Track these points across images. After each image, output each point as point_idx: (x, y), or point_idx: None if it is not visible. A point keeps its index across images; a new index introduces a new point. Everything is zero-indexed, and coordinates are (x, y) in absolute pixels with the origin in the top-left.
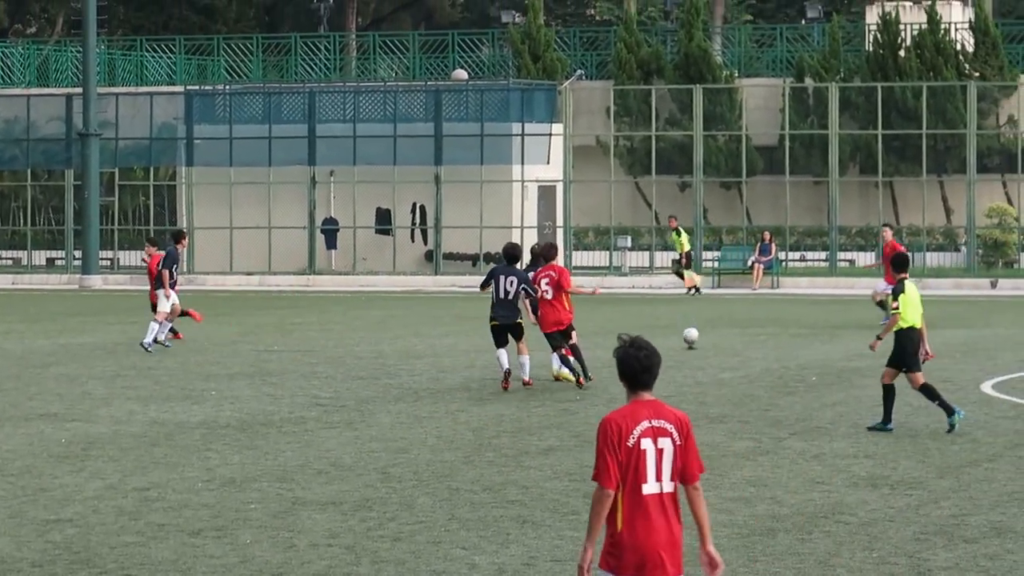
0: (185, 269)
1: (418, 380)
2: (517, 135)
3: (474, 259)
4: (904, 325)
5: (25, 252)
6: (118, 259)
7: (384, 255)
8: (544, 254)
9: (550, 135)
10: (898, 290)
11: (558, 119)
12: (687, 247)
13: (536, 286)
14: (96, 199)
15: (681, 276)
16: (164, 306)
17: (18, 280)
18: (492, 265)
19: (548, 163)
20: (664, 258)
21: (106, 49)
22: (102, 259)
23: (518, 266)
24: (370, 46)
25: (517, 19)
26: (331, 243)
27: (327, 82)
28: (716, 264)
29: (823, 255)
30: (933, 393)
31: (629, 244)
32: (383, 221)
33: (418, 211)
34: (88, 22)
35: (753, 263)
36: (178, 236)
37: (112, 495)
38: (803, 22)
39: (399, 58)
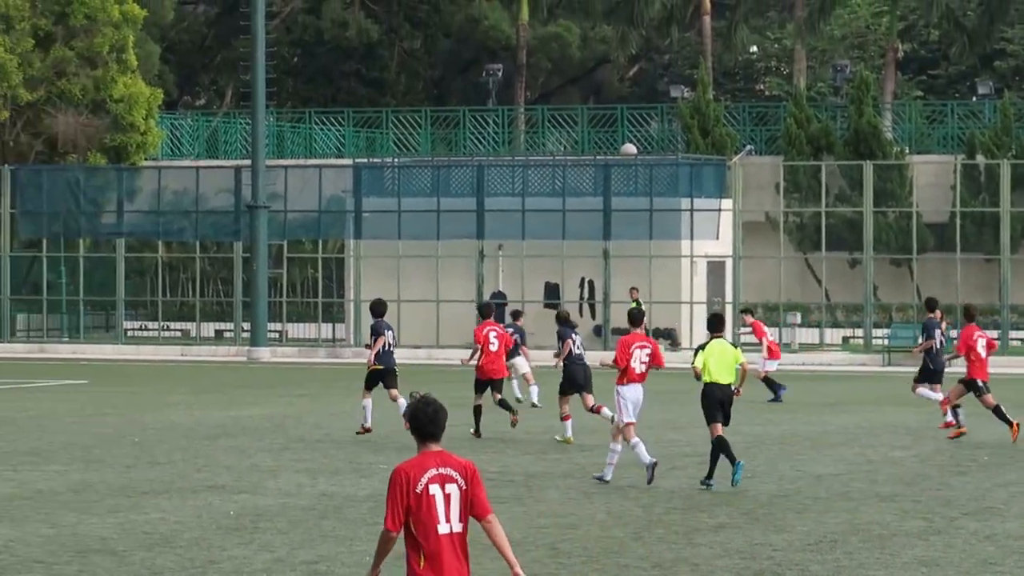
0: (353, 342)
1: (588, 456)
2: (686, 210)
3: None
4: None
5: (194, 324)
6: (286, 331)
7: (553, 329)
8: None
9: (719, 210)
10: None
11: (727, 194)
12: None
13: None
14: (264, 271)
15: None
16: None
17: (187, 352)
18: (660, 340)
19: (717, 238)
20: (834, 335)
21: (275, 121)
22: (270, 331)
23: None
24: (539, 120)
25: (686, 94)
26: (500, 317)
27: (495, 156)
28: (886, 341)
29: (994, 333)
30: None
31: (799, 320)
32: (551, 295)
33: (586, 286)
34: (257, 94)
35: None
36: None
37: (281, 568)
38: (974, 99)
39: (568, 132)
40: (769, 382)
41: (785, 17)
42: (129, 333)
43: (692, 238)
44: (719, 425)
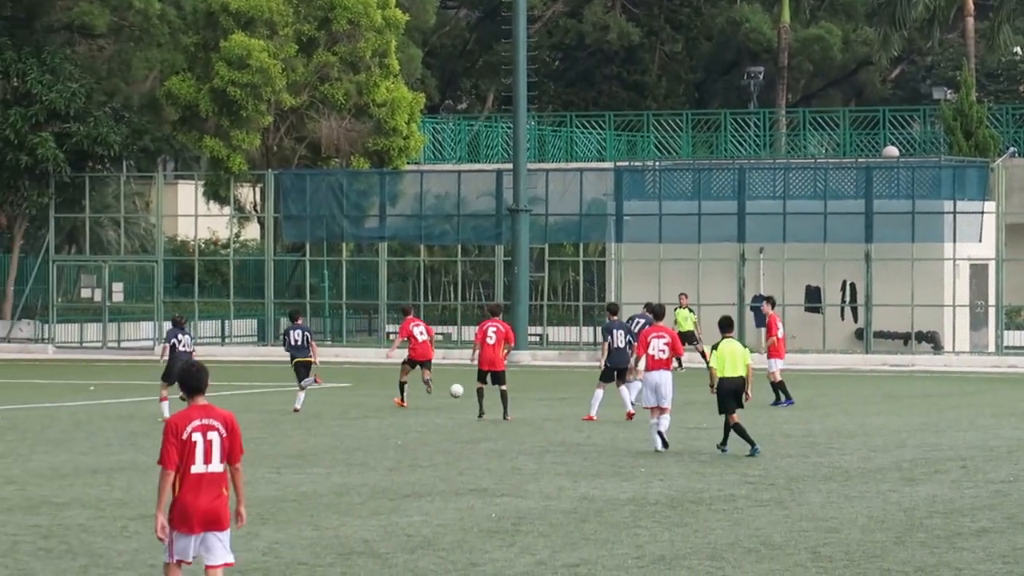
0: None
1: (848, 459)
2: (949, 213)
3: (905, 338)
4: None
5: (455, 327)
6: (547, 335)
7: (814, 333)
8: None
9: (982, 213)
10: None
11: (990, 197)
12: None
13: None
14: (526, 275)
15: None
16: None
17: (448, 355)
18: (922, 343)
19: (980, 241)
20: None
21: (536, 125)
22: (531, 335)
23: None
24: (800, 122)
25: (949, 96)
26: (760, 321)
27: (757, 158)
28: None
29: None
30: None
31: None
32: (813, 299)
33: (848, 289)
34: (519, 98)
35: None
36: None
37: (542, 571)
38: None
39: (829, 134)
40: (778, 385)
41: None
42: (391, 337)
43: (955, 241)
44: (735, 415)
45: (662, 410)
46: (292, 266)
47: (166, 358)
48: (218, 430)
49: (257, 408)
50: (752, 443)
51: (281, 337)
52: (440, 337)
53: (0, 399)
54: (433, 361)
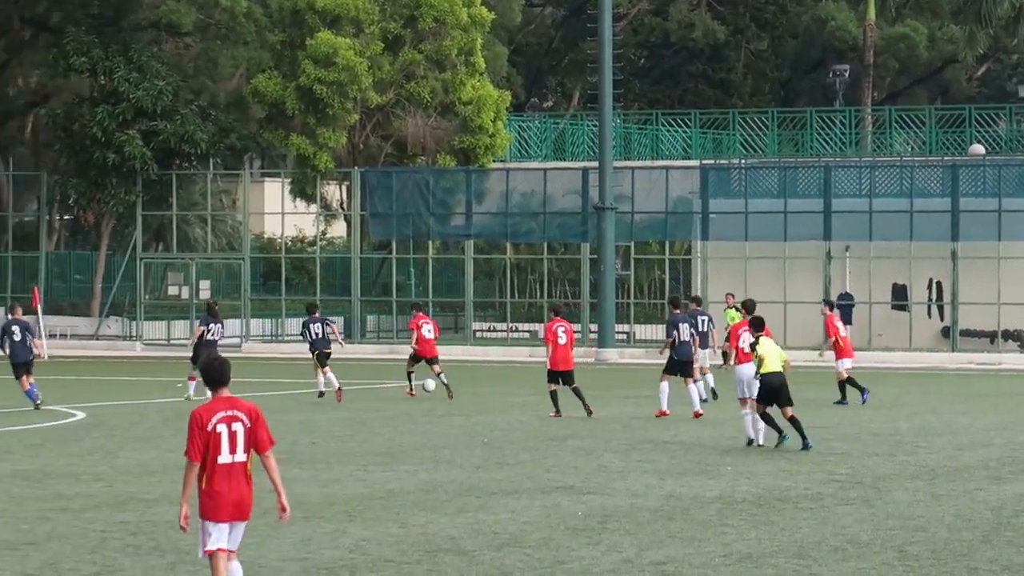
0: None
1: (935, 457)
2: None
3: (992, 336)
4: None
5: (541, 325)
6: (634, 333)
7: (900, 331)
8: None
9: None
10: None
11: None
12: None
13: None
14: (612, 273)
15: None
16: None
17: (535, 353)
18: (1009, 342)
19: None
20: None
21: (622, 123)
22: (618, 332)
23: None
24: (886, 120)
25: None
26: (846, 318)
27: (842, 156)
28: None
29: None
30: None
31: None
32: (899, 297)
33: (934, 287)
34: (604, 96)
35: None
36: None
37: (628, 569)
38: None
39: (915, 132)
40: (844, 384)
41: None
42: (478, 334)
43: None
44: (790, 409)
45: (752, 401)
46: (378, 264)
47: (194, 341)
48: (242, 421)
49: (343, 406)
50: (781, 432)
51: (301, 331)
52: (527, 335)
53: (88, 396)
54: (579, 361)
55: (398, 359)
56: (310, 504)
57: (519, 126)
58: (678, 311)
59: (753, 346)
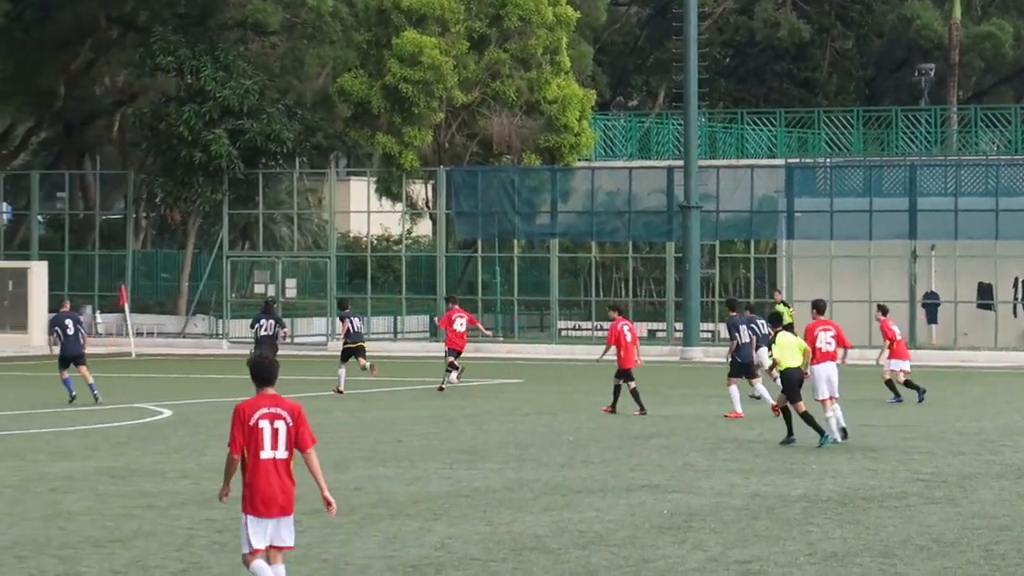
0: None
1: (1020, 456)
2: None
3: None
4: None
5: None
6: (719, 331)
7: (985, 330)
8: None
9: None
10: None
11: None
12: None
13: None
14: (697, 271)
15: None
16: None
17: None
18: None
19: None
20: None
21: (707, 122)
22: (703, 331)
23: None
24: (971, 119)
25: None
26: (932, 317)
27: (928, 155)
28: None
29: None
30: None
31: None
32: (985, 296)
33: (1020, 286)
34: (689, 95)
35: None
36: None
37: (714, 567)
38: None
39: (1001, 131)
40: (891, 383)
41: None
42: (563, 333)
43: None
44: (802, 403)
45: (833, 400)
46: (464, 262)
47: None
48: (284, 418)
49: (429, 404)
50: (821, 431)
51: (339, 323)
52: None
53: (175, 394)
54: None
55: (483, 357)
56: (395, 502)
57: (604, 125)
58: (735, 313)
59: (771, 343)
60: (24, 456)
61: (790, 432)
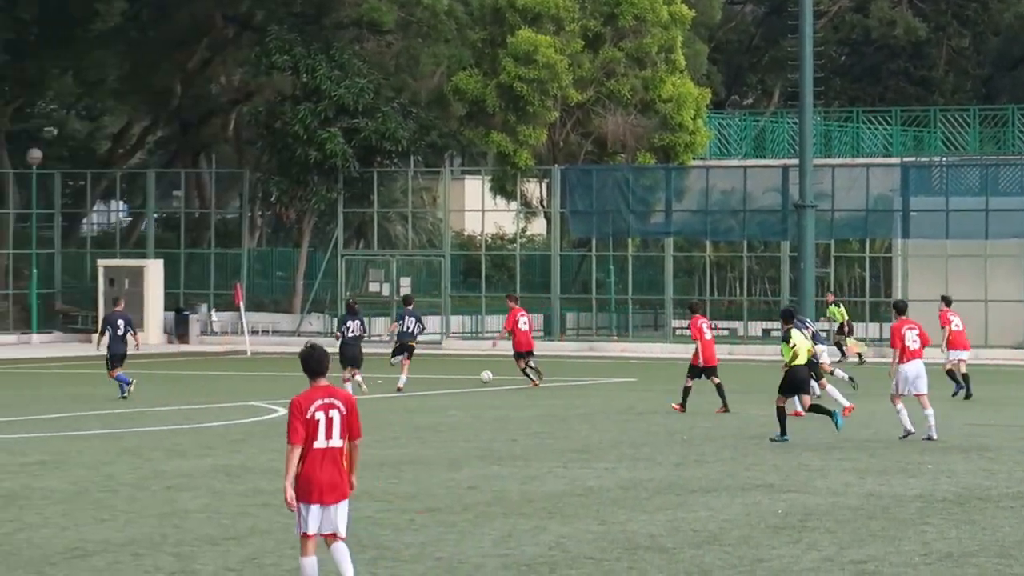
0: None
1: None
2: None
3: None
4: None
5: (741, 323)
6: (831, 331)
7: None
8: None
9: None
10: None
11: None
12: (846, 316)
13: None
14: (811, 270)
15: (841, 347)
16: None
17: (734, 350)
18: None
19: None
20: None
21: (822, 120)
22: (822, 331)
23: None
24: None
25: None
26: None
27: None
28: None
29: None
30: None
31: None
32: None
33: None
34: (804, 93)
35: None
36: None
37: (828, 567)
38: None
39: None
40: (953, 372)
41: None
42: (677, 332)
43: None
44: (808, 397)
45: (920, 397)
46: (578, 261)
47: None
48: (339, 408)
49: (541, 402)
50: (831, 412)
51: (397, 321)
52: (726, 332)
53: (290, 392)
54: (748, 360)
55: (597, 356)
56: (510, 501)
57: (719, 123)
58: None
59: (785, 338)
60: (140, 454)
61: (783, 432)
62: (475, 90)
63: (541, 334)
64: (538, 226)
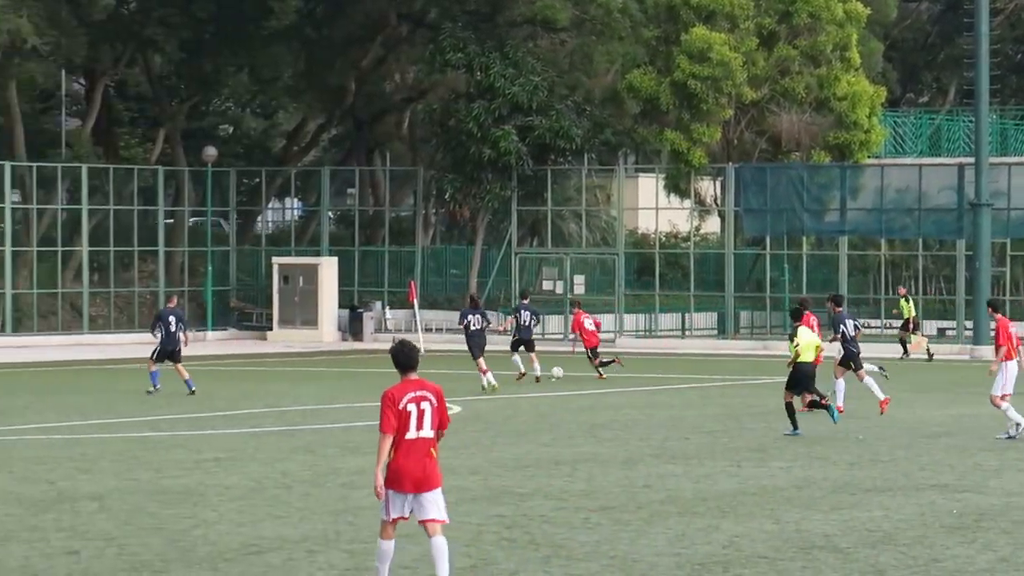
0: None
1: None
2: None
3: None
4: None
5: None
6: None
7: None
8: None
9: None
10: None
11: None
12: (912, 313)
13: None
14: (987, 269)
15: (904, 343)
16: None
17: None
18: None
19: None
20: None
21: (998, 118)
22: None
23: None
24: None
25: None
26: None
27: None
28: None
29: None
30: None
31: None
32: None
33: None
34: (980, 91)
35: None
36: None
37: (1004, 568)
38: None
39: None
40: None
41: None
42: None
43: None
44: (808, 394)
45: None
46: (752, 260)
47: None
48: (430, 400)
49: (716, 401)
50: (829, 409)
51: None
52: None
53: (464, 390)
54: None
55: (772, 355)
56: (683, 499)
57: (894, 122)
58: (840, 309)
59: (792, 336)
60: (315, 451)
61: (794, 426)
62: (649, 88)
63: (715, 333)
64: (712, 224)
